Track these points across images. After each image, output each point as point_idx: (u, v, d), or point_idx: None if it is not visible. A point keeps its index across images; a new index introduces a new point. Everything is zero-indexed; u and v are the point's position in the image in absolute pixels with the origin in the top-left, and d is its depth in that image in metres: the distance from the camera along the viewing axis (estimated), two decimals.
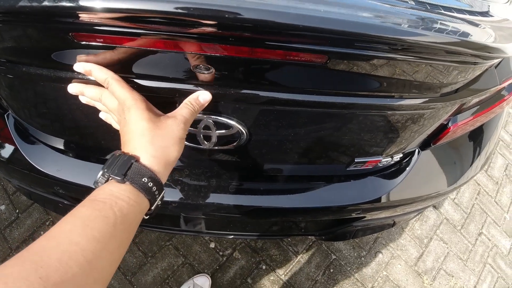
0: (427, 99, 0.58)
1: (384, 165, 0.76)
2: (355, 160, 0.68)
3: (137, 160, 0.40)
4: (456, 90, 0.60)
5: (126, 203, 0.37)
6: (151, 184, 0.40)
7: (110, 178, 0.39)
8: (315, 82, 0.51)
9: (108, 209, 0.35)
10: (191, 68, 0.45)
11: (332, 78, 0.50)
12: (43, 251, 0.30)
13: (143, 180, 0.39)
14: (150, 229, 1.35)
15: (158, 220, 1.05)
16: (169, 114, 0.46)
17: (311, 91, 0.51)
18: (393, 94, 0.55)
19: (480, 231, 1.75)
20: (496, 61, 0.57)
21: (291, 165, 0.71)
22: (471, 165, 0.92)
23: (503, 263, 1.70)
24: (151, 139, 0.41)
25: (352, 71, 0.47)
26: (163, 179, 0.42)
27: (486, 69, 0.61)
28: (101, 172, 0.40)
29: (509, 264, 1.70)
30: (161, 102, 0.49)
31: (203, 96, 0.47)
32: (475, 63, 0.51)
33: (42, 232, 1.40)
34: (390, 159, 0.73)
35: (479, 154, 0.94)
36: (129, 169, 0.38)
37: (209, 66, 0.45)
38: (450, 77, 0.55)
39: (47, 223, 1.43)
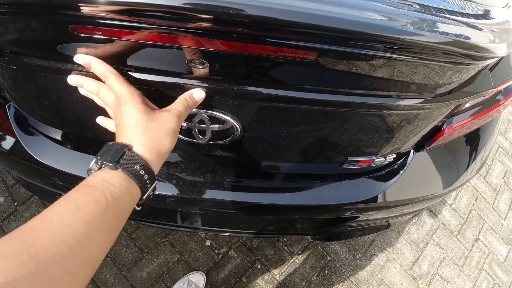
0: (422, 99, 0.59)
1: (378, 165, 0.76)
2: (348, 159, 0.69)
3: (129, 148, 0.41)
4: (450, 91, 0.61)
5: (117, 189, 0.37)
6: (143, 172, 0.40)
7: (103, 166, 0.40)
8: (311, 80, 0.51)
9: (100, 194, 0.36)
10: (187, 62, 0.46)
11: (327, 76, 0.51)
12: (34, 231, 0.31)
13: (135, 167, 0.40)
14: (147, 225, 1.36)
15: (154, 215, 1.05)
16: (164, 108, 0.47)
17: (306, 89, 0.52)
18: (388, 93, 0.55)
19: (477, 237, 1.75)
20: (488, 62, 0.57)
21: (285, 162, 0.72)
22: (466, 169, 0.93)
23: (499, 270, 1.69)
24: (144, 130, 0.42)
25: (348, 70, 0.48)
26: (155, 169, 0.43)
27: (480, 71, 0.62)
28: (94, 160, 0.41)
29: (505, 271, 1.70)
30: (158, 96, 0.50)
31: (197, 94, 0.49)
32: (467, 64, 0.52)
33: None
34: (384, 159, 0.74)
35: (475, 157, 0.95)
36: (121, 157, 0.39)
37: (204, 61, 0.46)
38: (445, 78, 0.55)
39: None
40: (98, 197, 0.35)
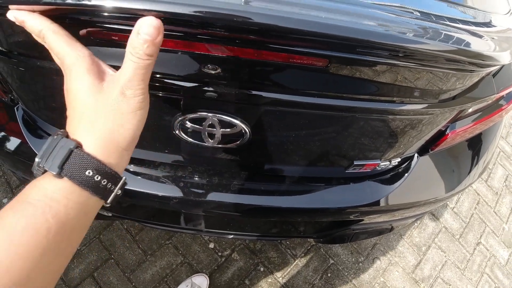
0: (426, 104, 0.60)
1: (383, 169, 0.77)
2: (354, 163, 0.70)
3: (78, 145, 0.31)
4: (454, 97, 0.62)
5: (63, 207, 0.29)
6: (99, 177, 0.31)
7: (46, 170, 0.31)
8: (318, 85, 0.52)
9: (39, 215, 0.28)
10: (199, 67, 0.48)
11: (335, 82, 0.52)
12: None
13: (86, 173, 0.30)
14: (150, 227, 1.37)
15: (159, 217, 1.06)
16: (115, 76, 0.32)
17: (314, 94, 0.53)
18: (393, 99, 0.56)
19: (479, 240, 1.75)
20: (492, 69, 0.59)
21: (291, 166, 0.73)
22: (469, 173, 0.94)
23: (501, 273, 1.70)
24: (94, 117, 0.31)
25: (354, 76, 0.49)
26: (118, 167, 0.33)
27: (483, 78, 0.63)
28: (36, 160, 0.31)
29: (507, 275, 1.70)
30: (168, 100, 0.50)
31: (146, 29, 0.29)
32: (471, 71, 0.53)
33: None
34: (388, 163, 0.75)
35: (477, 162, 0.96)
36: (67, 160, 0.30)
37: (216, 66, 0.47)
38: (448, 84, 0.56)
39: None
40: (36, 220, 0.28)
